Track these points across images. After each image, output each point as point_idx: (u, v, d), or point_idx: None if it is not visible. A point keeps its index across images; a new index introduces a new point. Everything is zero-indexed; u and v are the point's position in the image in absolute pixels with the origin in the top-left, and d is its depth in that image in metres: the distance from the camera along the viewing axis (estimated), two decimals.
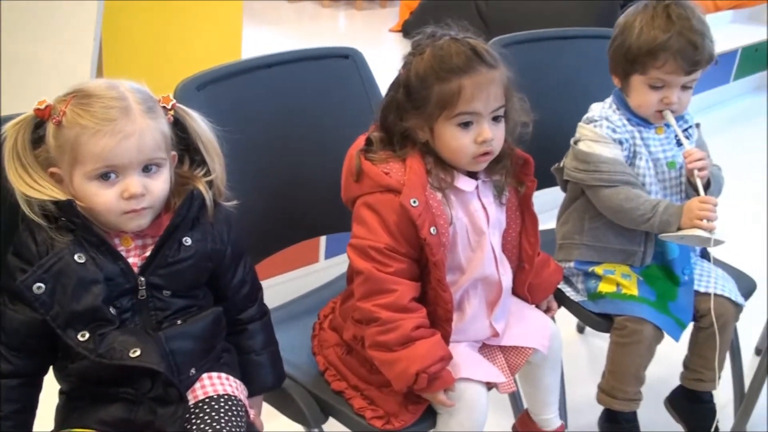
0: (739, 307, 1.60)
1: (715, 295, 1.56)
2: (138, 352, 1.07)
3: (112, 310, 1.09)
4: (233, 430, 1.12)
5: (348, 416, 1.29)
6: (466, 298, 1.33)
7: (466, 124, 1.23)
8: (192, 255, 1.13)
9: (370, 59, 1.63)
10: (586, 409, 1.65)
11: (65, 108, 1.05)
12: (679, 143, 1.58)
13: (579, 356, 2.18)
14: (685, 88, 1.54)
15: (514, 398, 1.63)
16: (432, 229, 1.21)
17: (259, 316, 1.27)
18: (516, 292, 1.43)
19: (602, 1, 3.28)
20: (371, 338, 1.24)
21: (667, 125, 1.57)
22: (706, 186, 1.53)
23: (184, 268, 1.13)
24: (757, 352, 2.19)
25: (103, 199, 1.07)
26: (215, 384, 1.17)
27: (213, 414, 1.13)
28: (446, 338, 1.28)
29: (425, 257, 1.23)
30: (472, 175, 1.29)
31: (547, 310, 1.51)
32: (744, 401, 1.84)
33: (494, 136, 1.24)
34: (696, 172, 1.50)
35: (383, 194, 1.23)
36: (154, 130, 1.09)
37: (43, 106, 1.07)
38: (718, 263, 1.70)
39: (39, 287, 1.05)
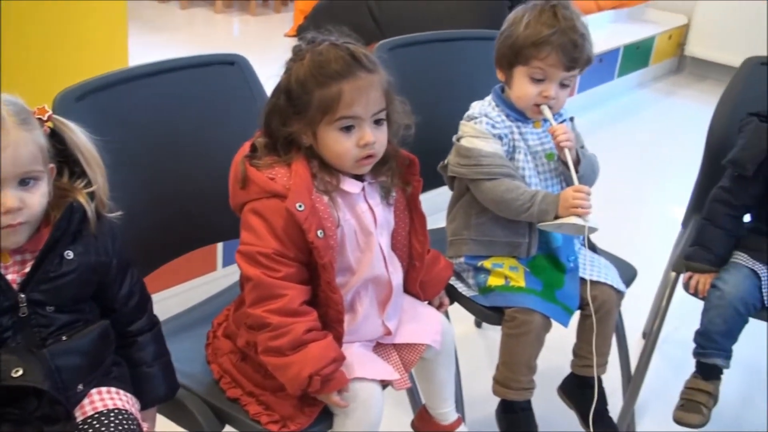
0: (620, 294, 1.67)
1: (598, 282, 1.63)
2: (20, 372, 1.05)
3: None
4: None
5: (244, 422, 1.29)
6: (357, 298, 1.35)
7: (347, 128, 1.25)
8: (75, 269, 1.11)
9: (265, 64, 1.62)
10: (486, 402, 1.69)
11: None
12: None
13: (478, 350, 2.24)
14: (562, 86, 1.60)
15: (412, 394, 1.67)
16: (319, 232, 1.23)
17: (149, 327, 1.25)
18: (408, 289, 1.46)
19: (490, 2, 3.37)
20: (263, 344, 1.24)
21: (545, 120, 1.63)
22: (576, 163, 1.60)
23: (67, 283, 1.11)
24: (645, 335, 2.30)
25: None
26: (104, 399, 1.15)
27: (102, 429, 1.11)
28: (339, 339, 1.30)
29: (314, 260, 1.25)
30: (359, 177, 1.31)
31: (440, 306, 1.55)
32: (631, 383, 1.93)
33: (376, 139, 1.26)
34: (563, 145, 1.56)
35: (269, 200, 1.24)
36: (29, 143, 1.06)
37: None
38: (601, 252, 1.78)
39: None
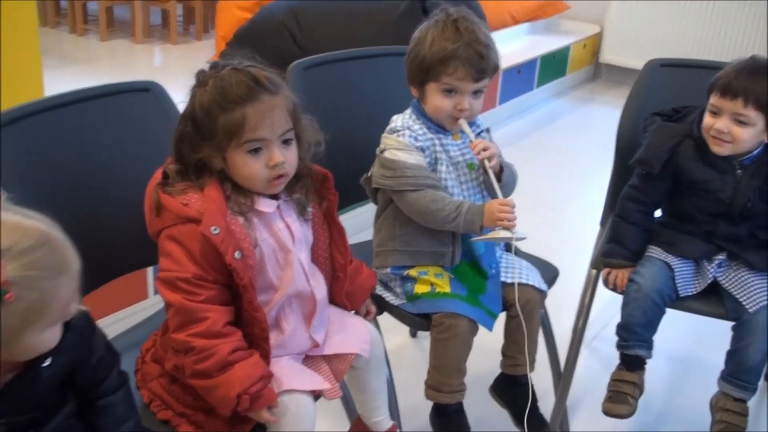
0: (543, 294, 1.73)
1: (520, 284, 1.68)
2: None
3: None
4: None
5: None
6: (282, 314, 1.37)
7: (255, 151, 1.27)
8: (51, 374, 1.05)
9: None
10: (425, 410, 1.71)
11: None
12: None
13: (413, 360, 2.26)
14: (475, 95, 1.65)
15: (348, 405, 1.69)
16: (236, 254, 1.24)
17: (117, 386, 1.18)
18: (334, 301, 1.48)
19: (406, 22, 3.43)
20: (190, 367, 1.25)
21: (462, 131, 1.68)
22: (499, 172, 1.65)
23: (42, 390, 1.05)
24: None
25: None
26: None
27: None
28: (266, 356, 1.31)
29: (234, 282, 1.26)
30: (273, 196, 1.34)
31: (367, 314, 1.58)
32: (561, 380, 1.99)
33: (286, 158, 1.29)
34: (486, 162, 1.62)
35: (184, 225, 1.25)
36: None
37: None
38: (522, 255, 1.83)
39: None
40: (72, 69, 3.96)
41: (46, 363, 1.04)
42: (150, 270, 2.23)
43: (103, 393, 1.16)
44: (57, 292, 0.96)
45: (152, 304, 2.21)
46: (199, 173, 1.29)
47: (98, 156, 1.52)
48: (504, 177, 1.66)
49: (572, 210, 3.31)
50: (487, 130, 1.77)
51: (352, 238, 1.52)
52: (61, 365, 1.06)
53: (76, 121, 1.50)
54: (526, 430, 1.69)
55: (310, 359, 1.43)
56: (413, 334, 2.41)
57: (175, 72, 4.19)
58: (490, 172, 1.61)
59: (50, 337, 1.00)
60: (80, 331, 1.09)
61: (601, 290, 1.93)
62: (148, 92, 1.60)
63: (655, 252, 1.85)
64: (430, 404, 1.69)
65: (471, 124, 1.69)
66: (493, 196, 1.63)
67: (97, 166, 1.51)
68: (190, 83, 1.30)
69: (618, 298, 1.85)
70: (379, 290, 1.71)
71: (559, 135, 4.18)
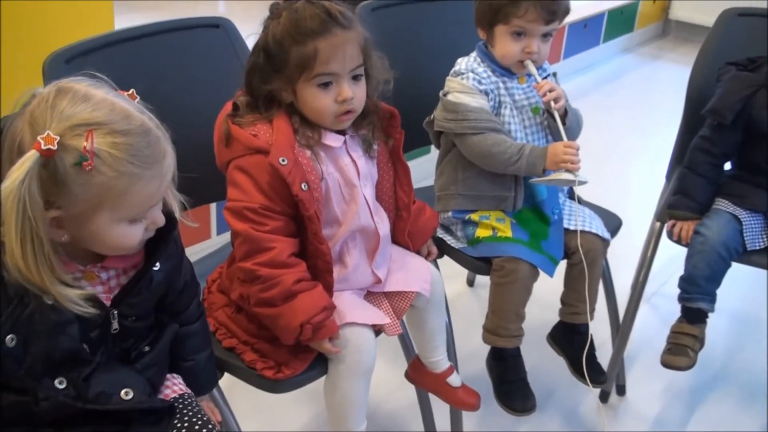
0: (606, 242, 1.71)
1: (583, 231, 1.66)
2: (131, 394, 1.03)
3: (86, 347, 1.02)
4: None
5: (241, 369, 1.34)
6: (345, 249, 1.39)
7: (325, 85, 1.28)
8: (162, 279, 1.09)
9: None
10: (479, 357, 1.73)
11: None
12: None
13: (470, 308, 2.28)
14: (544, 38, 1.63)
15: (406, 346, 1.70)
16: (303, 185, 1.26)
17: (197, 316, 1.22)
18: (396, 240, 1.50)
19: None
20: (255, 296, 1.28)
21: (529, 75, 1.66)
22: (564, 116, 1.63)
23: (153, 293, 1.09)
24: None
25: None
26: (171, 386, 1.18)
27: (186, 411, 1.13)
28: (329, 289, 1.33)
29: (300, 213, 1.28)
30: (340, 131, 1.34)
31: (428, 255, 1.59)
32: (619, 331, 1.97)
33: (355, 94, 1.29)
34: (552, 103, 1.60)
35: (253, 156, 1.27)
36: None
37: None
38: (585, 204, 1.81)
39: (11, 339, 0.95)
40: (135, 15, 3.99)
41: (157, 267, 1.07)
42: (213, 210, 2.27)
43: (184, 321, 1.19)
44: (138, 184, 0.95)
45: (215, 244, 2.26)
46: (268, 105, 1.31)
47: (166, 90, 1.54)
48: (569, 121, 1.64)
49: (636, 166, 3.25)
50: (554, 75, 1.74)
51: (415, 186, 1.52)
52: (165, 273, 1.09)
53: (146, 55, 1.52)
54: (587, 377, 1.68)
55: (371, 295, 1.45)
56: (470, 283, 2.42)
57: (239, 19, 4.19)
58: (556, 114, 1.60)
59: (127, 234, 0.99)
60: (176, 244, 1.12)
61: (663, 248, 1.91)
62: (218, 28, 1.62)
63: (722, 204, 1.81)
64: (486, 351, 1.70)
65: (538, 68, 1.67)
66: (558, 139, 1.62)
67: (164, 100, 1.50)
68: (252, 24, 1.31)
69: (679, 256, 1.82)
70: (440, 233, 1.72)
71: (624, 91, 4.09)
